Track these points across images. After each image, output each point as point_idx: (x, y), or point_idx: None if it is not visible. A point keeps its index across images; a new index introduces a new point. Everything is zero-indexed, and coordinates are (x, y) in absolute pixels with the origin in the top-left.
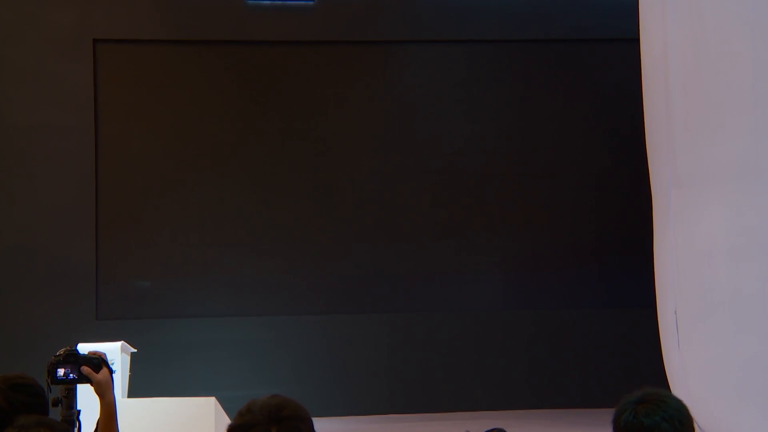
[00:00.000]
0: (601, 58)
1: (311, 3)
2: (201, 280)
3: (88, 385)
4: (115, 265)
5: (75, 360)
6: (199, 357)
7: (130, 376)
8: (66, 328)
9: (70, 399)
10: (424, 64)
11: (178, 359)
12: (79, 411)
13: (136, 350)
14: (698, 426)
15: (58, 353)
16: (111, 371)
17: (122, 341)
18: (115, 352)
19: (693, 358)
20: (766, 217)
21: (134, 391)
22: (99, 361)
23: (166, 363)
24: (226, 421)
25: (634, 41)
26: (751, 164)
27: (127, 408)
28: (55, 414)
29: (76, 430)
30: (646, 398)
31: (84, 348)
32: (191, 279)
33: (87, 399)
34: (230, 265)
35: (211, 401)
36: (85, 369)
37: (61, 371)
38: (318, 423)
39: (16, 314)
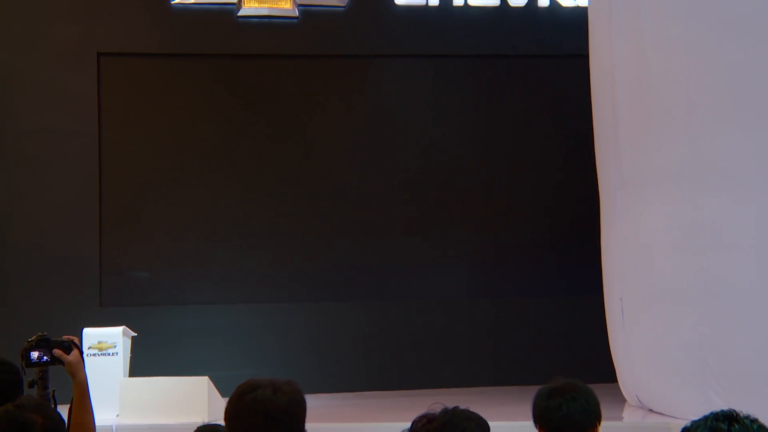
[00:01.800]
0: (555, 71)
1: (295, 20)
2: (194, 271)
3: (60, 365)
4: (116, 258)
5: (47, 344)
6: (193, 340)
7: (131, 357)
8: (72, 314)
9: (44, 380)
10: (397, 75)
11: (174, 342)
12: (53, 390)
13: (136, 334)
14: (638, 399)
15: (30, 339)
16: (81, 352)
17: (124, 326)
18: (118, 336)
19: (636, 340)
20: (700, 215)
21: (135, 371)
22: (69, 344)
23: (163, 346)
24: (218, 397)
25: (584, 57)
26: (686, 168)
27: (129, 386)
28: (31, 394)
29: (52, 407)
30: (558, 388)
31: (89, 332)
32: (186, 270)
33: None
34: (221, 258)
35: (204, 380)
36: (57, 351)
37: (34, 355)
38: None
39: (27, 302)
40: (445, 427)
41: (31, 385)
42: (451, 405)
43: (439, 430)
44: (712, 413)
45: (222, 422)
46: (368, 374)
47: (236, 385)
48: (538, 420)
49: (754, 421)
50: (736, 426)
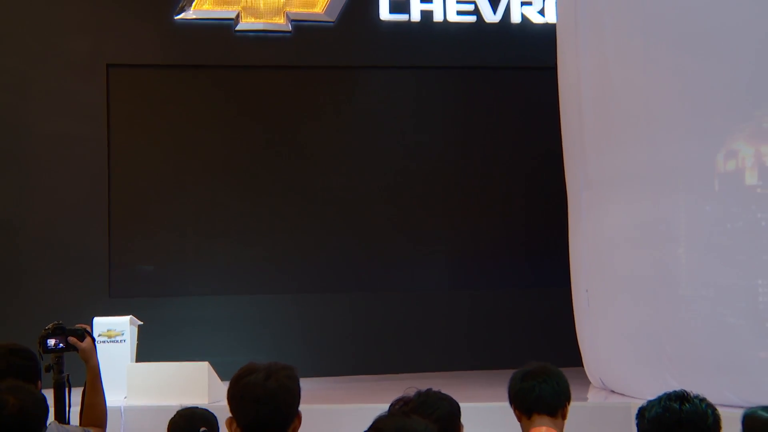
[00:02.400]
0: (526, 82)
1: (288, 34)
2: (195, 264)
3: (75, 352)
4: (124, 252)
5: (62, 332)
6: (193, 329)
7: (137, 344)
8: (83, 304)
9: (60, 365)
10: (382, 85)
11: (176, 331)
12: (68, 375)
13: (142, 323)
14: (602, 382)
15: (47, 327)
16: (93, 340)
17: (131, 316)
18: (125, 325)
19: (600, 328)
20: (656, 213)
21: (141, 357)
22: (83, 332)
23: (167, 334)
24: (217, 381)
25: (553, 69)
26: (645, 170)
27: (135, 371)
28: (48, 378)
29: (66, 390)
30: (532, 371)
31: (99, 321)
32: (187, 264)
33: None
34: (220, 253)
35: (205, 365)
36: (72, 339)
37: (51, 342)
38: None
39: (41, 293)
40: (420, 407)
41: (47, 369)
42: (433, 388)
43: (415, 411)
44: (665, 393)
45: (221, 404)
46: (354, 360)
47: (234, 370)
48: (513, 400)
49: (703, 400)
50: (687, 405)
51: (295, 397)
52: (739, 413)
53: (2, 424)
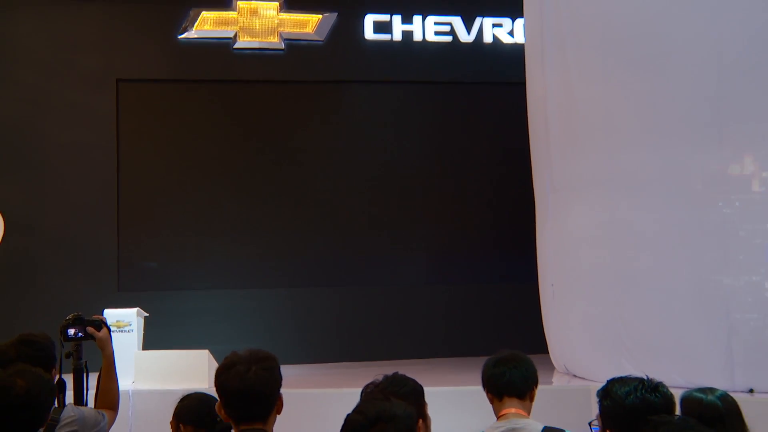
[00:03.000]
0: (498, 96)
1: (281, 52)
2: (196, 261)
3: (92, 341)
4: (131, 250)
5: (81, 322)
6: (194, 320)
7: (144, 334)
8: (94, 297)
9: (78, 352)
10: (366, 97)
11: (179, 322)
12: (86, 361)
13: (148, 315)
14: (565, 367)
15: (68, 317)
16: (109, 330)
17: (137, 308)
18: (132, 316)
19: (564, 319)
20: (613, 215)
21: (147, 345)
22: (100, 323)
23: (170, 324)
24: (216, 367)
25: (521, 85)
26: (605, 177)
27: (142, 358)
28: (68, 364)
29: (84, 375)
30: (503, 358)
31: (109, 313)
32: (189, 261)
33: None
34: (218, 251)
35: (205, 353)
36: (90, 329)
37: (71, 331)
38: (286, 369)
39: (56, 287)
40: (388, 387)
41: (67, 356)
42: (411, 374)
43: (383, 391)
44: (638, 382)
45: None
46: (341, 348)
47: None
48: (485, 385)
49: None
50: (658, 395)
51: (276, 383)
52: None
53: (10, 405)
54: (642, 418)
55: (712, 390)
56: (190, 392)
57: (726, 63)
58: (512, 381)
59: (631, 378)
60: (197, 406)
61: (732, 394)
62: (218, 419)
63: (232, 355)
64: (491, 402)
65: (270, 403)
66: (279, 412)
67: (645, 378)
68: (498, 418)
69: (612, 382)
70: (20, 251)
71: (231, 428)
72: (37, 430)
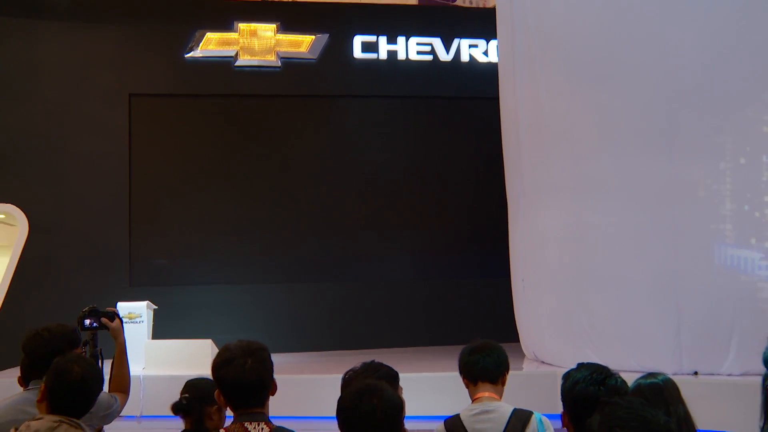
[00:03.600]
0: (474, 109)
1: (278, 69)
2: (200, 259)
3: (106, 330)
4: (142, 249)
5: (96, 313)
6: (199, 312)
7: (153, 324)
8: (108, 291)
9: (94, 340)
10: (355, 110)
11: (184, 314)
12: (100, 348)
13: (156, 307)
14: (534, 354)
15: (84, 309)
16: (121, 321)
17: (147, 301)
18: (143, 309)
19: (534, 311)
20: (578, 217)
21: (156, 335)
22: (113, 314)
23: (177, 316)
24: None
25: (495, 99)
26: (569, 183)
27: (151, 346)
28: (84, 352)
29: (99, 361)
30: (477, 347)
31: (122, 305)
32: (194, 259)
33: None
34: (220, 249)
35: (208, 342)
36: (104, 319)
37: (87, 321)
38: (283, 357)
39: (74, 281)
40: (365, 372)
41: (84, 344)
42: (395, 362)
43: (362, 374)
44: (589, 370)
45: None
46: (332, 337)
47: None
48: (462, 371)
49: (615, 376)
50: (608, 383)
51: (268, 371)
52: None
53: (68, 388)
54: (586, 406)
55: (657, 374)
56: (194, 378)
57: (676, 84)
58: (485, 367)
59: (589, 366)
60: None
61: (679, 377)
62: None
63: (225, 349)
64: (467, 386)
65: (265, 390)
66: (273, 394)
67: (602, 368)
68: (473, 401)
69: (575, 368)
70: (42, 249)
71: None
72: (88, 412)
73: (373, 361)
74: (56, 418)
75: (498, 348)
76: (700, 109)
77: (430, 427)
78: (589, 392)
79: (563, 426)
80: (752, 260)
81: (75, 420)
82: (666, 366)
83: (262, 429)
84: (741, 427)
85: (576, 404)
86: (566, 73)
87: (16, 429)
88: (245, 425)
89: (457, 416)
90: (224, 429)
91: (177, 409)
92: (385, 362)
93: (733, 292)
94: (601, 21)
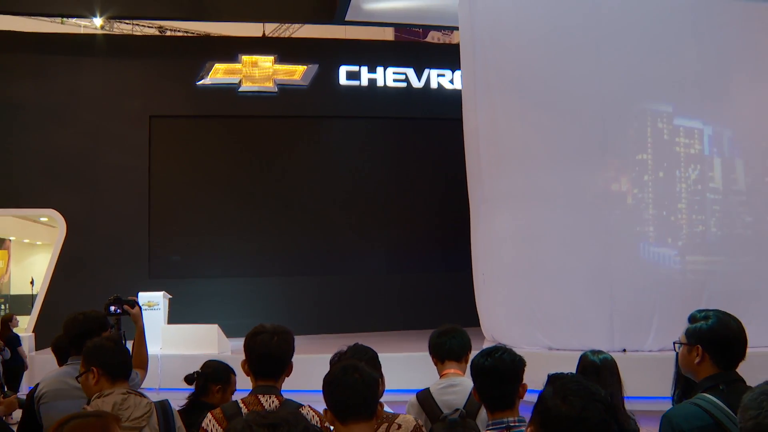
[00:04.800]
0: (441, 129)
1: (275, 94)
2: (209, 256)
3: (128, 316)
4: (159, 246)
5: (119, 301)
6: (207, 301)
7: (168, 311)
8: (130, 282)
9: (118, 324)
10: (340, 129)
11: (195, 302)
12: (124, 331)
13: (171, 297)
14: (493, 337)
15: (109, 298)
16: (140, 308)
17: (164, 291)
18: (160, 298)
19: (492, 300)
20: (528, 220)
21: (171, 320)
22: (134, 302)
23: (188, 304)
24: (224, 338)
25: (459, 120)
26: (522, 191)
27: (167, 330)
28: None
29: (123, 342)
30: (444, 330)
31: (142, 295)
32: (203, 255)
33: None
34: (226, 248)
35: (215, 327)
36: (126, 306)
37: (112, 308)
38: None
39: (102, 274)
40: (353, 355)
41: (110, 327)
42: (373, 343)
43: (349, 357)
44: (485, 349)
45: (226, 354)
46: (319, 322)
47: (236, 331)
48: (431, 351)
49: (507, 351)
50: (491, 359)
51: (290, 351)
52: (579, 355)
53: (114, 361)
54: (478, 375)
55: (597, 352)
56: (211, 360)
57: (608, 110)
58: (451, 348)
59: (495, 347)
60: (220, 367)
61: (612, 353)
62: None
63: (260, 326)
64: (435, 364)
65: (284, 365)
66: (288, 375)
67: (499, 347)
68: (441, 376)
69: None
70: (77, 247)
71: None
72: (129, 374)
73: (357, 344)
74: (123, 390)
75: (462, 331)
76: (628, 131)
77: (403, 399)
78: (479, 364)
79: (474, 397)
80: (669, 256)
81: (137, 391)
82: (600, 344)
83: (273, 401)
84: (660, 393)
85: (473, 376)
86: (519, 99)
87: (88, 404)
88: (258, 397)
89: (427, 390)
90: (241, 399)
91: (188, 380)
92: (364, 343)
93: (655, 283)
94: (547, 56)
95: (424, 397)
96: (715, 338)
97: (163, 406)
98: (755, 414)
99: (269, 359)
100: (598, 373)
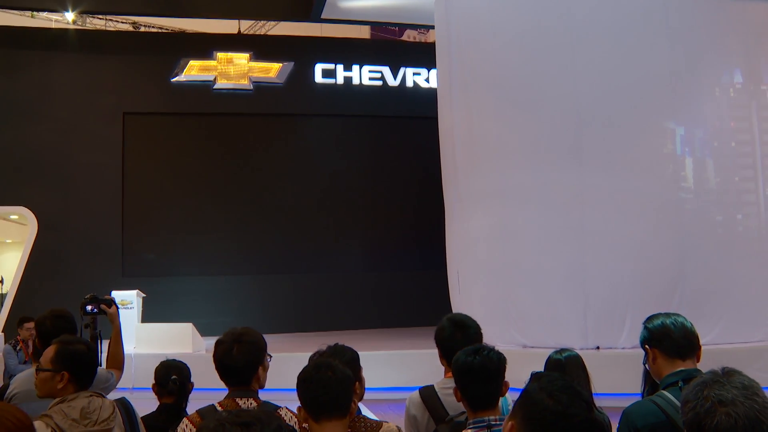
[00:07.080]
0: (417, 127)
1: (250, 91)
2: (183, 254)
3: (104, 315)
4: (133, 244)
5: (96, 300)
6: (182, 299)
7: (142, 310)
8: (104, 281)
9: (94, 324)
10: (316, 127)
11: (169, 300)
12: (99, 330)
13: (145, 295)
14: None
15: (86, 296)
16: (117, 307)
17: (137, 290)
18: (133, 296)
19: (467, 297)
20: (503, 219)
21: (145, 319)
22: (111, 301)
23: (162, 303)
24: (198, 337)
25: (435, 119)
26: (496, 190)
27: (141, 329)
28: (86, 333)
29: (98, 342)
30: (456, 320)
31: (116, 294)
32: (178, 253)
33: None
34: (201, 246)
35: (189, 325)
36: (103, 306)
37: (88, 307)
38: None
39: (75, 272)
40: (333, 355)
41: (86, 327)
42: (350, 342)
43: (329, 356)
44: (467, 348)
45: (200, 353)
46: (296, 321)
47: (211, 330)
48: (441, 350)
49: (492, 350)
50: (478, 357)
51: (254, 359)
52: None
53: (83, 364)
54: (463, 373)
55: (562, 351)
56: (167, 359)
57: (583, 110)
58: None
59: (480, 346)
60: (163, 372)
61: (585, 351)
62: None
63: (227, 332)
64: (442, 363)
65: (248, 374)
66: (265, 371)
67: (483, 347)
68: (445, 376)
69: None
70: (49, 245)
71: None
72: (93, 382)
73: (337, 344)
74: (87, 393)
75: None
76: (601, 131)
77: (379, 398)
78: (467, 363)
79: (455, 396)
80: (642, 255)
81: (99, 393)
82: (575, 342)
83: (251, 404)
84: (633, 389)
85: (458, 374)
86: (494, 98)
87: (47, 413)
88: (236, 400)
89: (432, 387)
90: (218, 403)
91: (170, 391)
92: (340, 342)
93: (628, 282)
94: (523, 56)
95: (429, 395)
96: (655, 332)
97: (124, 404)
98: (693, 405)
99: (230, 369)
100: (563, 370)
